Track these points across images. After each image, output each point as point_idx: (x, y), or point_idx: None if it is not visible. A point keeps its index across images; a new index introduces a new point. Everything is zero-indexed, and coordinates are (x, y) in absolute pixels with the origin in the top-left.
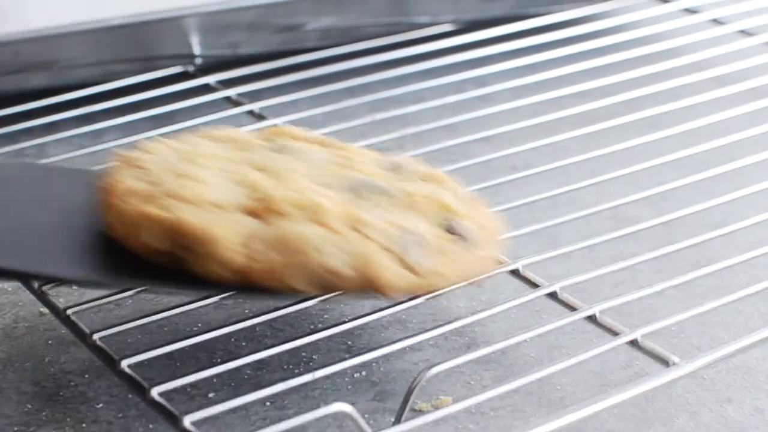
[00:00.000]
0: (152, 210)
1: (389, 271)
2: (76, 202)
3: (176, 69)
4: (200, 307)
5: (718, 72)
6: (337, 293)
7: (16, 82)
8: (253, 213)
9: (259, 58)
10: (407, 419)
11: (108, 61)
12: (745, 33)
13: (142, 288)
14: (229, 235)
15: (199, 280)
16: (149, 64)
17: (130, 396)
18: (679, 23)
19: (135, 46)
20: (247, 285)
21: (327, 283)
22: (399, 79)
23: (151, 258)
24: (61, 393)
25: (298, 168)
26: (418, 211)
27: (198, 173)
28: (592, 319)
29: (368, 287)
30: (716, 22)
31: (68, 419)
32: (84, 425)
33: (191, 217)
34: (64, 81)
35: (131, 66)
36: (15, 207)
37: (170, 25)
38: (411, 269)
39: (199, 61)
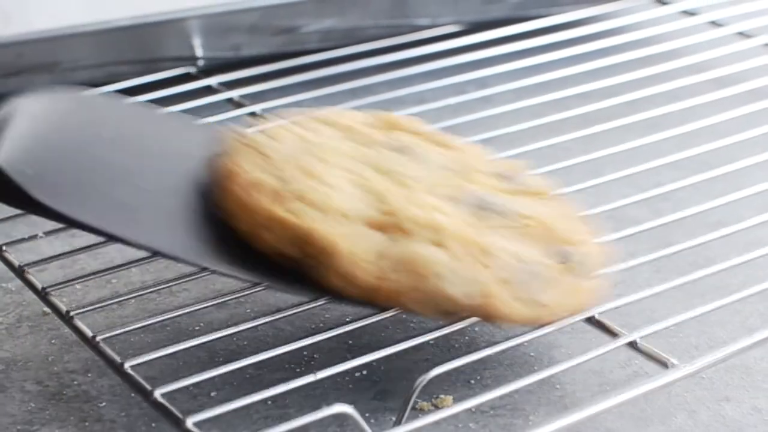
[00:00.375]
0: (282, 213)
1: (505, 304)
2: (191, 160)
3: (179, 71)
4: (203, 307)
5: (717, 74)
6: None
7: (20, 83)
8: (378, 227)
9: (261, 59)
10: (408, 419)
11: (111, 62)
12: (743, 35)
13: (265, 285)
14: (360, 252)
15: (313, 284)
16: (152, 66)
17: (133, 395)
18: (678, 25)
19: (138, 48)
20: (370, 302)
21: (444, 309)
22: (401, 81)
23: (271, 257)
24: (64, 392)
25: (420, 175)
26: (533, 237)
27: (324, 173)
28: (591, 320)
29: (483, 317)
30: (715, 24)
31: (71, 418)
32: (87, 424)
33: (322, 227)
34: (68, 82)
35: (134, 68)
36: (125, 157)
37: (173, 27)
38: (525, 302)
39: (201, 63)
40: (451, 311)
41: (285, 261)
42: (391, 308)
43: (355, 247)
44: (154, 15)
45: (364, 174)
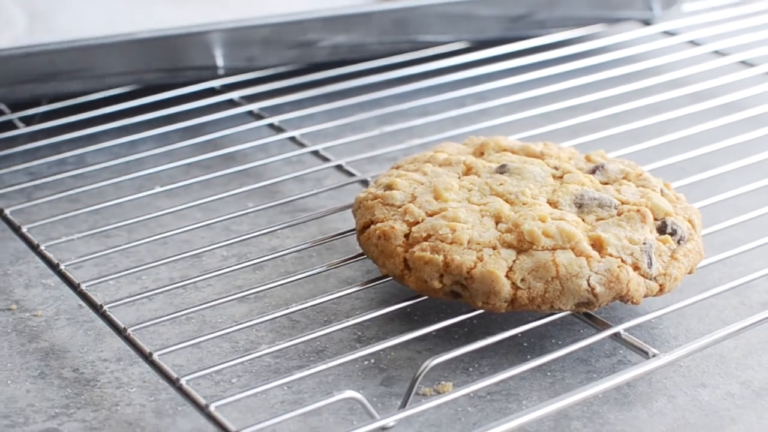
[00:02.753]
0: (419, 252)
1: (634, 283)
2: None
3: (205, 85)
4: (225, 302)
5: (694, 89)
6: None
7: (54, 88)
8: (505, 244)
9: (279, 75)
10: (412, 404)
11: (138, 70)
12: (719, 53)
13: None
14: (501, 271)
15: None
16: (177, 74)
17: (161, 381)
18: (660, 44)
19: (163, 58)
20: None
21: (586, 301)
22: (406, 95)
23: (428, 293)
24: (98, 378)
25: (527, 189)
26: (637, 219)
27: (449, 210)
28: (578, 314)
29: (618, 299)
30: (693, 43)
31: (105, 402)
32: (119, 407)
33: (465, 259)
34: (97, 88)
35: (160, 75)
36: None
37: (196, 39)
38: (647, 276)
39: (221, 71)
40: (590, 301)
41: (434, 292)
42: (531, 312)
43: (497, 269)
44: (179, 28)
45: (479, 200)
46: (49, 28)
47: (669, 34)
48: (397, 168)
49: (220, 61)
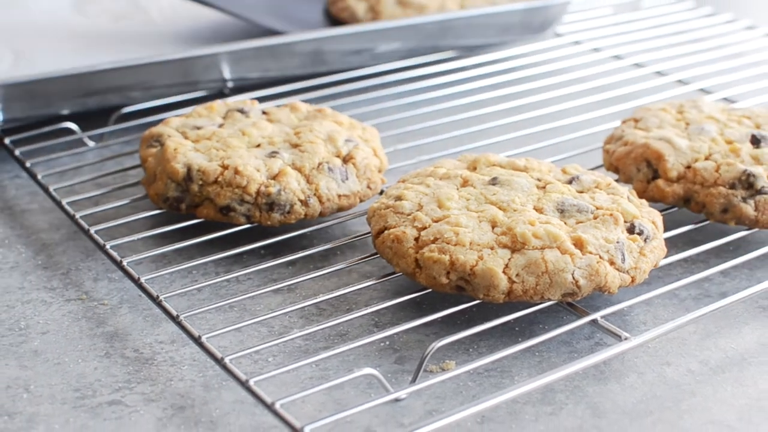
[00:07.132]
0: (427, 253)
1: (611, 276)
2: None
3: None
4: (263, 293)
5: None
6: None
7: (94, 102)
8: (504, 245)
9: (277, 81)
10: (421, 379)
11: (162, 86)
12: (664, 75)
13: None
14: (499, 268)
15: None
16: (193, 87)
17: (208, 360)
18: (629, 75)
19: (182, 76)
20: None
21: (570, 292)
22: (416, 118)
23: (436, 288)
24: (155, 358)
25: (516, 198)
26: (608, 221)
27: (451, 217)
28: (563, 303)
29: (597, 290)
30: (659, 73)
31: (161, 378)
32: (172, 382)
33: (468, 258)
34: (129, 102)
35: (181, 89)
36: None
37: (207, 60)
38: (621, 269)
39: (230, 84)
40: (574, 292)
41: (442, 287)
42: (522, 302)
43: (495, 266)
44: (194, 51)
45: (476, 208)
46: (32, 64)
47: (638, 66)
48: (403, 182)
49: (228, 75)
